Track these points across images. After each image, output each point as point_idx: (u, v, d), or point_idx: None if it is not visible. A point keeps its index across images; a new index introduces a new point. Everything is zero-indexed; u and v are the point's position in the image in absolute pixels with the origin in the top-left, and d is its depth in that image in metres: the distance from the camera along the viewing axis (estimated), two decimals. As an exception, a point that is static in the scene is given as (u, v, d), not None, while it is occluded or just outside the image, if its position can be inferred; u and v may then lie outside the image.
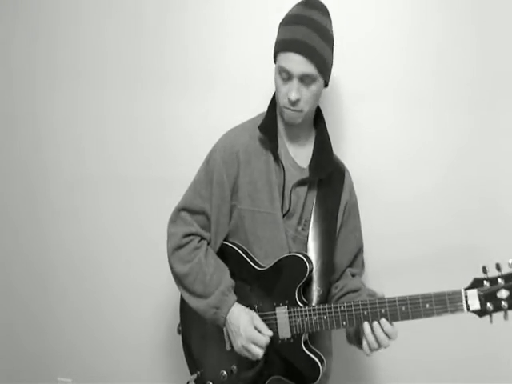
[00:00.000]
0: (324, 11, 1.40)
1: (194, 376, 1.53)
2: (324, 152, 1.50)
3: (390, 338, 1.27)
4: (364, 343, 1.30)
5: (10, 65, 2.17)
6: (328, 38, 1.39)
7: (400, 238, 1.80)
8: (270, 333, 1.36)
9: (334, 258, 1.50)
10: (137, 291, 2.08)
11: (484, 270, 1.20)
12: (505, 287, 1.17)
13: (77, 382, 2.22)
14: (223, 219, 1.47)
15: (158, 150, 2.01)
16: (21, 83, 2.16)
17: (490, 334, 1.62)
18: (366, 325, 1.29)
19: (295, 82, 1.35)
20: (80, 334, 2.19)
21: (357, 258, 1.56)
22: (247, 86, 1.80)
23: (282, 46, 1.37)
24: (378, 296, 1.34)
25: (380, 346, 1.28)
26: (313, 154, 1.50)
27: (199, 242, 1.48)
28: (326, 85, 1.45)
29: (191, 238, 1.47)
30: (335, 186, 1.51)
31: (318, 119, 1.55)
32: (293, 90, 1.35)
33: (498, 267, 1.18)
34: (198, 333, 1.54)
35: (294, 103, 1.38)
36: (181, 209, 1.49)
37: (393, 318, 1.27)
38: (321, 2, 1.41)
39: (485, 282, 1.19)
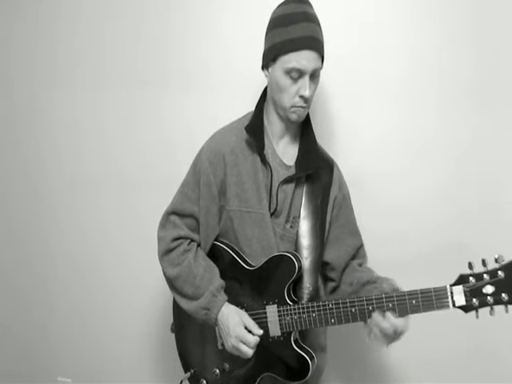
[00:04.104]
0: (309, 2, 1.42)
1: (188, 374, 1.54)
2: (309, 148, 1.50)
3: (396, 331, 1.26)
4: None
5: (9, 65, 2.18)
6: (320, 25, 1.41)
7: (399, 239, 1.80)
8: (260, 332, 1.37)
9: (324, 254, 1.50)
10: (138, 292, 2.09)
11: (470, 266, 1.20)
12: (490, 283, 1.18)
13: (77, 382, 2.23)
14: (212, 220, 1.48)
15: (158, 149, 2.02)
16: (21, 83, 2.17)
17: (488, 333, 1.67)
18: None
19: (307, 79, 1.36)
20: (80, 334, 2.21)
21: (359, 251, 1.55)
22: (249, 85, 1.79)
23: (292, 46, 1.34)
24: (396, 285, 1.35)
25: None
26: (298, 151, 1.50)
27: (189, 244, 1.49)
28: None
29: (180, 241, 1.48)
30: (324, 181, 1.50)
31: None
32: (307, 88, 1.36)
33: (484, 263, 1.19)
34: (190, 331, 1.55)
35: (306, 100, 1.38)
36: (170, 212, 1.51)
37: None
38: None
39: (470, 278, 1.20)
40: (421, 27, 1.74)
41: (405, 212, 1.80)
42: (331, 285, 1.52)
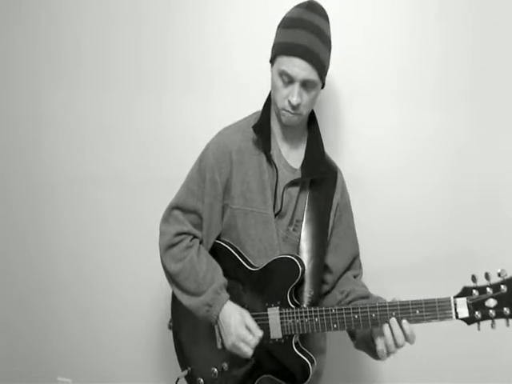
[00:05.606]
0: (324, 15, 1.40)
1: (185, 372, 1.54)
2: (316, 153, 1.51)
3: (406, 338, 1.27)
4: (379, 341, 1.29)
5: (12, 65, 2.21)
6: (328, 44, 1.41)
7: (399, 240, 1.81)
8: (260, 333, 1.38)
9: (325, 260, 1.50)
10: (138, 292, 2.09)
11: (473, 278, 1.22)
12: (493, 296, 1.19)
13: (77, 382, 2.22)
14: (215, 218, 1.48)
15: (159, 150, 2.04)
16: (23, 83, 2.20)
17: (486, 332, 1.62)
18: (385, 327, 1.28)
19: (297, 87, 1.36)
20: (80, 334, 2.20)
21: (355, 261, 1.56)
22: (249, 85, 1.82)
23: (285, 50, 1.36)
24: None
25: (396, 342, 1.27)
26: (305, 155, 1.52)
27: (191, 240, 1.49)
28: (322, 86, 1.47)
29: (183, 236, 1.48)
30: (327, 186, 1.52)
31: (311, 121, 1.55)
32: (295, 95, 1.36)
33: (487, 276, 1.20)
34: (189, 329, 1.55)
35: (294, 107, 1.38)
36: (173, 207, 1.51)
37: (383, 323, 1.28)
38: (321, 6, 1.42)
39: (474, 291, 1.21)
40: (420, 29, 1.75)
41: (405, 212, 1.81)
42: (324, 288, 1.52)
